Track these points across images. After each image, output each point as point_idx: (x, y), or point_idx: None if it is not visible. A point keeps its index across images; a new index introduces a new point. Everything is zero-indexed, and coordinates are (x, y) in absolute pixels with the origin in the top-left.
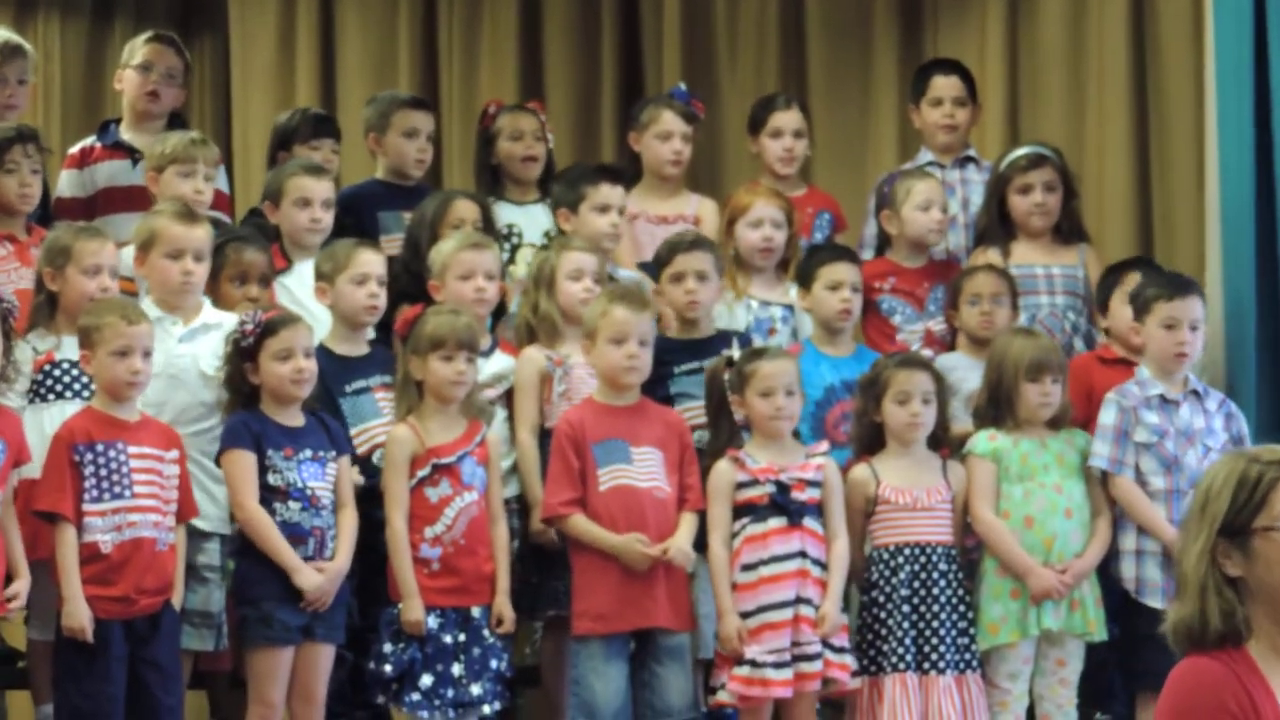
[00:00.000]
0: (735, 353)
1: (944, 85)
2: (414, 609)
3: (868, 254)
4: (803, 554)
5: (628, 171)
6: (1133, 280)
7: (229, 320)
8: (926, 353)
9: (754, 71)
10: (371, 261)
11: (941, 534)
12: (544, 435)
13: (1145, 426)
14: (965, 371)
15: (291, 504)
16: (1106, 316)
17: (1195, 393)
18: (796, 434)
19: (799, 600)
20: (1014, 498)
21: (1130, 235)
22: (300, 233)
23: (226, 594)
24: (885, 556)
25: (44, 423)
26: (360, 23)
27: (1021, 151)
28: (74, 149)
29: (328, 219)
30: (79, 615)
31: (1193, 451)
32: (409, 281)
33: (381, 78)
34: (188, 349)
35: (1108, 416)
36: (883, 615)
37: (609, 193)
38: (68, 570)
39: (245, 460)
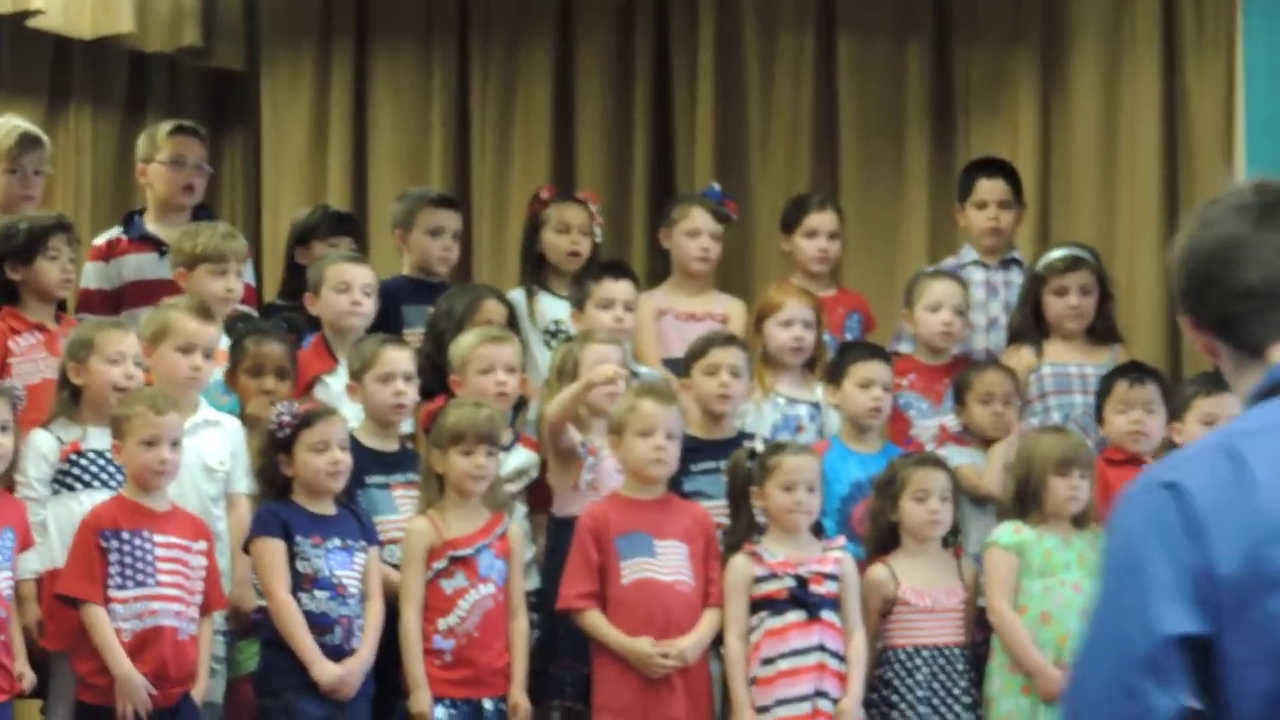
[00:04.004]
0: (759, 444)
1: (989, 189)
2: (421, 701)
3: (905, 348)
4: (821, 647)
5: (658, 267)
6: (1121, 390)
7: (226, 419)
8: (943, 451)
9: (786, 170)
10: (398, 359)
11: (958, 634)
12: (566, 523)
13: None
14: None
15: (319, 593)
16: (1104, 427)
17: None
18: (821, 529)
19: (817, 694)
20: (1032, 593)
21: (1159, 337)
22: (341, 317)
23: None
24: (902, 658)
25: (72, 512)
26: (393, 117)
27: (1058, 253)
28: (99, 240)
29: (369, 305)
30: (136, 694)
31: None
32: (432, 375)
33: (413, 172)
34: (191, 443)
35: None
36: (895, 716)
37: (612, 288)
38: (111, 649)
39: (274, 548)
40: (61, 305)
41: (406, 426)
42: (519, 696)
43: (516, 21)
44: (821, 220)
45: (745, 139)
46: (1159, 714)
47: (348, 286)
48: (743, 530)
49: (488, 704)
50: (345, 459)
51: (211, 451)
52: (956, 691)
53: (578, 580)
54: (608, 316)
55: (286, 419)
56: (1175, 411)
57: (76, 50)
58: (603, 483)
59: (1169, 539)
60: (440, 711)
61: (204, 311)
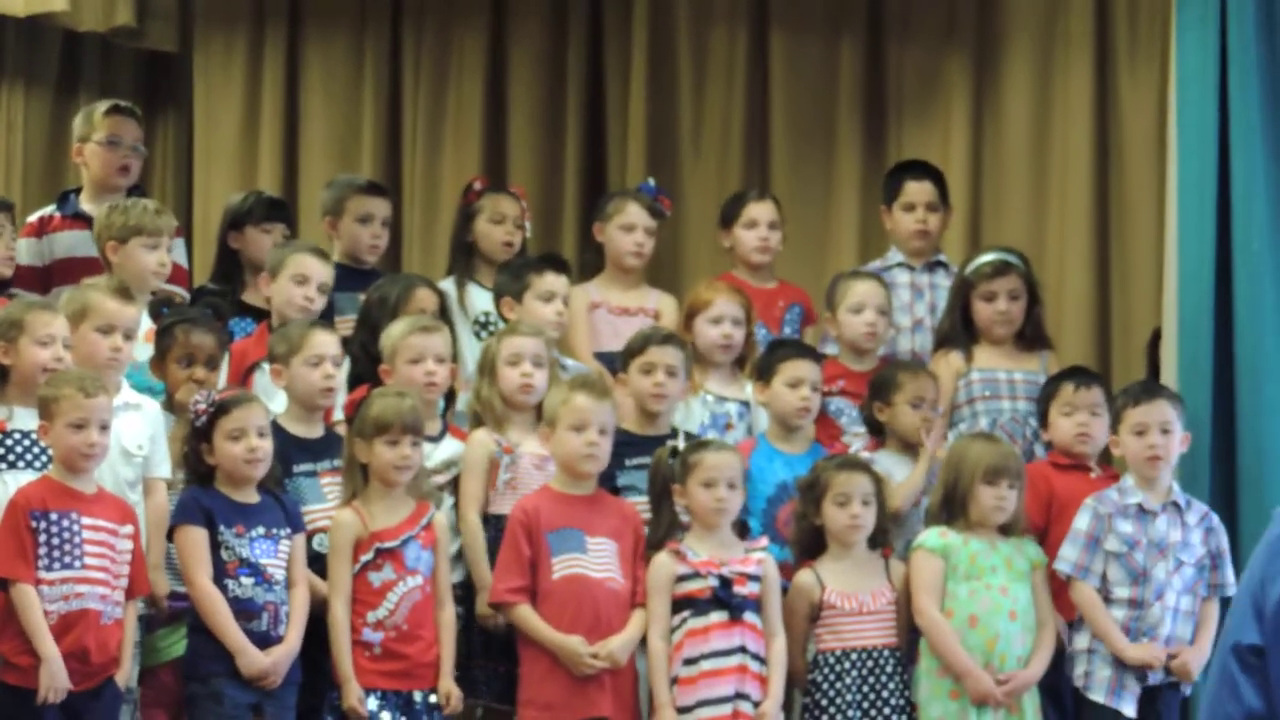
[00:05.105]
0: (680, 442)
1: (916, 191)
2: (350, 694)
3: (831, 349)
4: (743, 649)
5: (591, 262)
6: (1067, 392)
7: (147, 403)
8: (867, 455)
9: (717, 167)
10: (326, 343)
11: (887, 636)
12: (489, 520)
13: (1117, 535)
14: (896, 471)
15: (244, 579)
16: (1048, 430)
17: (1176, 504)
18: (747, 529)
19: (738, 696)
20: (959, 596)
21: (1089, 342)
22: (291, 308)
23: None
24: (831, 661)
25: None
26: (324, 104)
27: (987, 258)
28: (32, 218)
29: (320, 302)
30: (59, 676)
31: (1163, 565)
32: (366, 364)
33: (344, 160)
34: (112, 424)
35: (1081, 521)
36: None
37: (553, 281)
38: (39, 629)
39: (196, 536)
40: (2, 285)
41: (338, 413)
42: (449, 685)
43: (449, 11)
44: (761, 210)
45: (677, 135)
46: (1240, 707)
47: (305, 280)
48: (665, 528)
49: (417, 696)
50: (263, 445)
51: (130, 435)
52: (886, 694)
53: (509, 574)
54: (550, 310)
55: (203, 406)
56: (1110, 423)
57: (9, 28)
58: (521, 481)
59: (1261, 555)
60: (372, 702)
61: (124, 292)
